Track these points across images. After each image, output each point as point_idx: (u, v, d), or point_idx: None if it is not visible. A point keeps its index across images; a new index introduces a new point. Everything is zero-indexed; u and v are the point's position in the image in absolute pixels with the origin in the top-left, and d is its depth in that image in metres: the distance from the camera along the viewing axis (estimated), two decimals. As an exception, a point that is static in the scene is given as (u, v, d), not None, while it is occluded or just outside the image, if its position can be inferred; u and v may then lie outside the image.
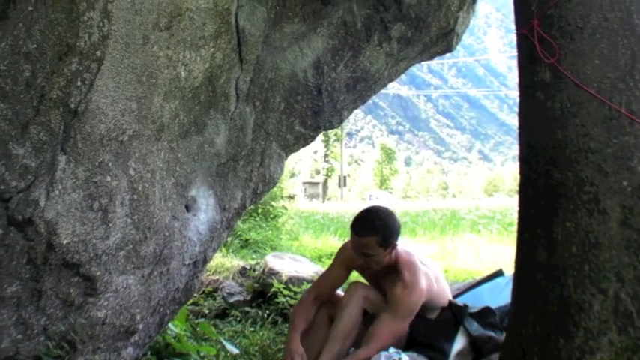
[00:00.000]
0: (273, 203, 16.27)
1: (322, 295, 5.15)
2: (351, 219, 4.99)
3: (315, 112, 5.27)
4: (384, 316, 4.70)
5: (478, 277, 6.56)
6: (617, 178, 2.91)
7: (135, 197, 4.18)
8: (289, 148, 5.39)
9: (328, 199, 61.65)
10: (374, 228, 4.78)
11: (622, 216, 2.86)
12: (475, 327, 4.65)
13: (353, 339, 4.71)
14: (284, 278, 8.27)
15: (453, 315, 4.76)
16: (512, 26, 3.60)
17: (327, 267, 5.73)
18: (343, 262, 5.22)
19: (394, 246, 4.87)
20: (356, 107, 5.85)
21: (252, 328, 7.11)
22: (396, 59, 5.73)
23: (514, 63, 3.67)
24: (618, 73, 3.00)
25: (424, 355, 4.57)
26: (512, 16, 3.61)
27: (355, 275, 5.39)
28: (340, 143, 74.64)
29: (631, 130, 2.94)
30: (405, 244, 5.09)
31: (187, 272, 4.80)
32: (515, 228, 3.49)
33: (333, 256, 5.51)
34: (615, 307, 2.80)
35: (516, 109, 3.50)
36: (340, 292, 5.23)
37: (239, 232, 13.06)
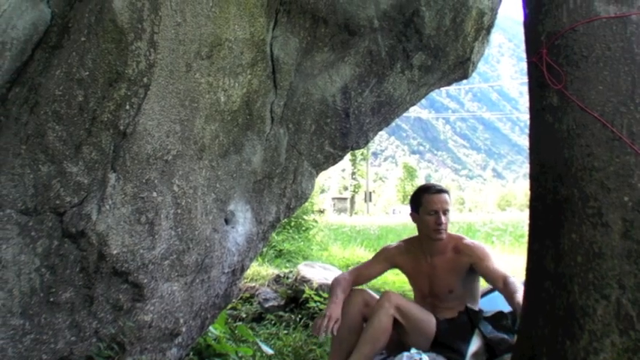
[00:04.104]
0: (304, 217, 16.28)
1: (360, 279, 5.21)
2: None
3: (343, 133, 5.25)
4: (488, 266, 4.76)
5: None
6: (619, 193, 2.89)
7: (179, 211, 4.18)
8: (319, 167, 5.37)
9: (355, 213, 61.50)
10: (446, 189, 5.16)
11: (623, 228, 2.85)
12: (489, 330, 4.63)
13: (383, 343, 4.68)
14: (315, 285, 8.27)
15: (469, 319, 4.74)
16: (523, 55, 3.58)
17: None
18: (387, 259, 5.31)
19: None
20: (380, 129, 5.82)
21: (285, 331, 7.11)
22: (417, 85, 5.71)
23: (525, 89, 3.67)
24: (620, 98, 2.99)
25: (443, 355, 4.55)
26: (523, 46, 3.59)
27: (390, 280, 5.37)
28: (366, 162, 74.61)
29: (632, 150, 2.91)
30: None
31: (226, 280, 4.79)
32: (525, 239, 3.48)
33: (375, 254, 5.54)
34: (617, 312, 2.79)
35: (527, 130, 3.48)
36: (376, 295, 5.20)
37: (274, 243, 13.09)
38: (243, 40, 4.43)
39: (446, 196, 5.07)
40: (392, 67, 5.37)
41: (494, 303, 5.24)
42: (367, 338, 4.66)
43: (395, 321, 4.70)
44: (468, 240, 5.01)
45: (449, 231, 5.08)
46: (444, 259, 5.00)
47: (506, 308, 4.82)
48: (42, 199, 3.71)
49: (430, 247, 5.08)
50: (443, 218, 4.98)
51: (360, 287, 5.18)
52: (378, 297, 5.05)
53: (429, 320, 4.76)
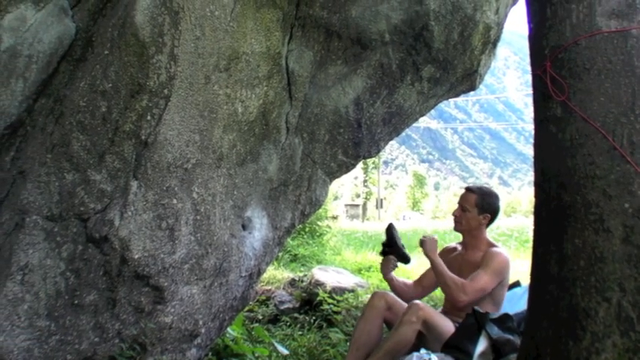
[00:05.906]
0: (318, 222, 16.21)
1: (422, 280, 5.54)
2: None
3: (356, 143, 5.24)
4: (478, 272, 4.86)
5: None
6: (619, 200, 2.90)
7: (198, 217, 4.17)
8: (333, 175, 5.36)
9: (367, 219, 61.34)
10: (474, 189, 5.27)
11: (624, 234, 2.85)
12: (495, 331, 4.61)
13: (402, 354, 4.66)
14: (328, 288, 8.26)
15: (476, 320, 4.72)
16: (528, 68, 3.56)
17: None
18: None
19: (486, 218, 5.20)
20: (391, 139, 5.81)
21: (300, 332, 7.08)
22: (426, 97, 5.70)
23: (530, 100, 3.65)
24: (621, 109, 2.99)
25: (451, 356, 4.54)
26: (528, 59, 3.58)
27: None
28: (377, 170, 74.53)
29: (632, 159, 2.91)
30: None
31: (244, 283, 4.78)
32: (530, 244, 3.47)
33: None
34: (618, 314, 2.79)
35: (532, 140, 3.48)
36: (398, 299, 5.17)
37: (289, 248, 13.04)
38: (259, 54, 4.44)
39: (465, 193, 5.28)
40: (402, 80, 5.36)
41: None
42: (388, 349, 4.65)
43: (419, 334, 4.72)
44: (494, 249, 5.07)
45: (491, 238, 5.30)
46: (474, 256, 5.12)
47: (512, 311, 4.83)
48: (67, 205, 3.73)
49: (465, 241, 5.34)
50: (456, 211, 5.27)
51: (382, 291, 5.25)
52: (401, 301, 5.05)
53: (449, 330, 4.75)
